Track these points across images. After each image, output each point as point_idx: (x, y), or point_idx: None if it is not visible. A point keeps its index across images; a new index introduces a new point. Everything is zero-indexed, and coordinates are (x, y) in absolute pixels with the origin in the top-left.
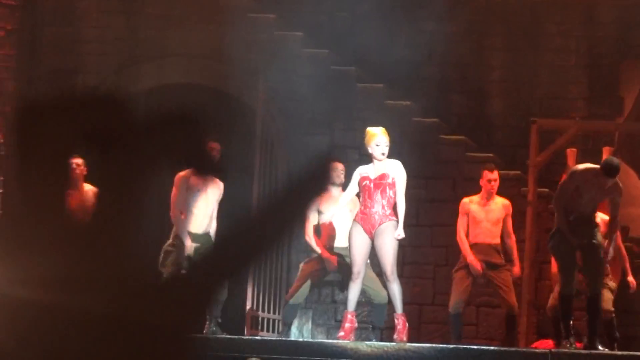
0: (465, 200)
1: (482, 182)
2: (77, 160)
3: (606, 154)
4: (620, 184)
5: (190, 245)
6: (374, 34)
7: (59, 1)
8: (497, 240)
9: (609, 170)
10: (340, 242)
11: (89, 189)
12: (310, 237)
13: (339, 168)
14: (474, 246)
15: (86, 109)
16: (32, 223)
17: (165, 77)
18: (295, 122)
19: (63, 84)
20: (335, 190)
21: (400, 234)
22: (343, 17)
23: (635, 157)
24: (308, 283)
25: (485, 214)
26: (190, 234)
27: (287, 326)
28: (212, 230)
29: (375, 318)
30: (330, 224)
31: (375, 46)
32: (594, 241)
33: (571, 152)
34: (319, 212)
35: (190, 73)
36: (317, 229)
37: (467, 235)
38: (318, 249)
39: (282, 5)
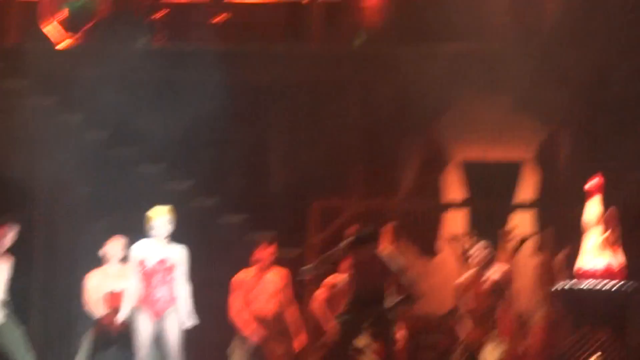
0: (238, 276)
1: (253, 259)
2: None
3: (388, 230)
4: None
5: None
6: (154, 116)
7: None
8: (273, 313)
9: None
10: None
11: None
12: (90, 307)
13: (120, 247)
14: (249, 319)
15: None
16: None
17: None
18: (76, 209)
19: None
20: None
21: (187, 322)
22: (123, 100)
23: (415, 234)
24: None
25: (258, 288)
26: None
27: None
28: None
29: None
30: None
31: (156, 128)
32: None
33: (351, 232)
34: (100, 286)
35: None
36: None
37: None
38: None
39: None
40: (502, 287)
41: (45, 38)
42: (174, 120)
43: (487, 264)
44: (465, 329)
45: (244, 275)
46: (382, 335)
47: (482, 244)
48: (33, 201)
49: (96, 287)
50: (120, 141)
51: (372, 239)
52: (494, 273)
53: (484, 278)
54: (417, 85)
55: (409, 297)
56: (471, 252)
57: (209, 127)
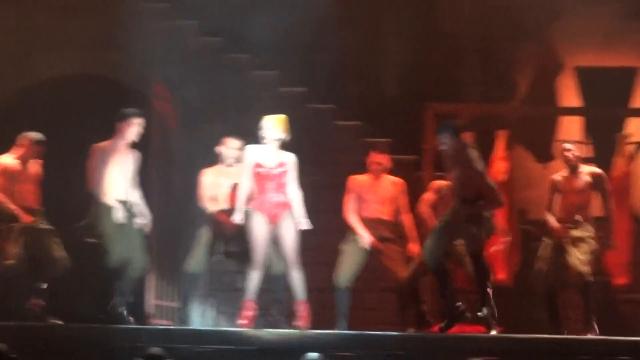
0: (353, 178)
1: (368, 163)
2: None
3: (501, 137)
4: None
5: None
6: (267, 21)
7: None
8: (387, 217)
9: None
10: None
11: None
12: (204, 203)
13: (234, 147)
14: (363, 220)
15: None
16: None
17: (60, 69)
18: (190, 110)
19: None
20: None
21: (304, 224)
22: (236, 4)
23: (530, 140)
24: (205, 249)
25: (373, 192)
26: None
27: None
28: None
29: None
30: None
31: (269, 33)
32: None
33: (468, 137)
34: (215, 184)
35: (85, 64)
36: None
37: (356, 212)
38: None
39: None
40: (595, 188)
41: None
42: (287, 26)
43: (580, 164)
44: (552, 224)
45: (359, 179)
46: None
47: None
48: (149, 101)
49: (210, 184)
50: (235, 47)
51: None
52: (586, 174)
53: (576, 177)
54: None
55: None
56: (567, 150)
57: (323, 32)
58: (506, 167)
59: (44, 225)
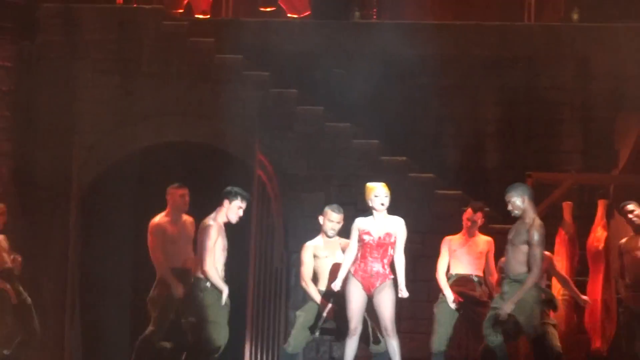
0: (447, 237)
1: (463, 219)
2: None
3: (601, 206)
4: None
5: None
6: (369, 90)
7: (54, 62)
8: (478, 273)
9: None
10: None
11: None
12: (306, 282)
13: (335, 220)
14: (452, 278)
15: None
16: None
17: (162, 136)
18: (291, 179)
19: (59, 144)
20: (331, 239)
21: (404, 293)
22: (338, 74)
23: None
24: (304, 330)
25: (466, 248)
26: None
27: None
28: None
29: None
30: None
31: (370, 102)
32: None
33: (567, 205)
34: (316, 257)
35: (186, 131)
36: (315, 275)
37: (447, 271)
38: (316, 296)
39: (277, 62)
40: None
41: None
42: (388, 95)
43: None
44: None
45: (453, 237)
46: None
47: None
48: (252, 170)
49: (311, 260)
50: (335, 116)
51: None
52: None
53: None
54: (635, 59)
55: None
56: (630, 212)
57: (423, 101)
58: (605, 237)
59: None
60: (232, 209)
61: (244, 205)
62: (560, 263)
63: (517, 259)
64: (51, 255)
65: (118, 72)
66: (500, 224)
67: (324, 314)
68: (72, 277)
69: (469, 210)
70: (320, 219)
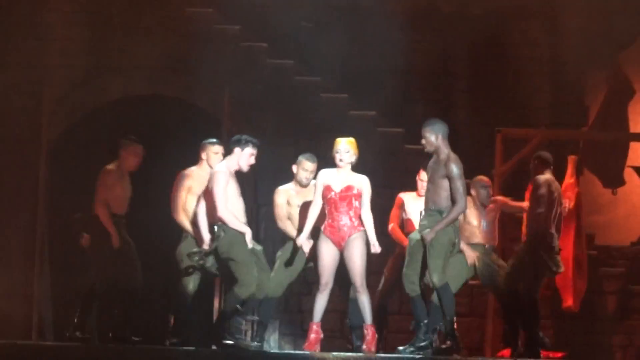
0: (401, 194)
1: (417, 179)
2: None
3: (571, 162)
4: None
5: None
6: (339, 45)
7: (24, 14)
8: None
9: None
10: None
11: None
12: (283, 222)
13: (309, 169)
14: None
15: None
16: None
17: (131, 89)
18: (260, 132)
19: (29, 96)
20: (304, 189)
21: (376, 248)
22: (307, 28)
23: (599, 165)
24: (284, 270)
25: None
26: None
27: (264, 327)
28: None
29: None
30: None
31: (340, 57)
32: None
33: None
34: (288, 204)
35: (155, 84)
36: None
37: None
38: (293, 232)
39: (247, 16)
40: None
41: None
42: (358, 49)
43: None
44: None
45: (407, 195)
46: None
47: None
48: (220, 123)
49: (284, 204)
50: (305, 70)
51: None
52: None
53: None
54: (605, 15)
55: None
56: None
57: (394, 56)
58: (576, 193)
59: None
60: (244, 156)
61: (255, 151)
62: None
63: (440, 194)
64: (20, 206)
65: (88, 24)
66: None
67: (305, 254)
68: (40, 228)
69: (421, 171)
70: (294, 168)
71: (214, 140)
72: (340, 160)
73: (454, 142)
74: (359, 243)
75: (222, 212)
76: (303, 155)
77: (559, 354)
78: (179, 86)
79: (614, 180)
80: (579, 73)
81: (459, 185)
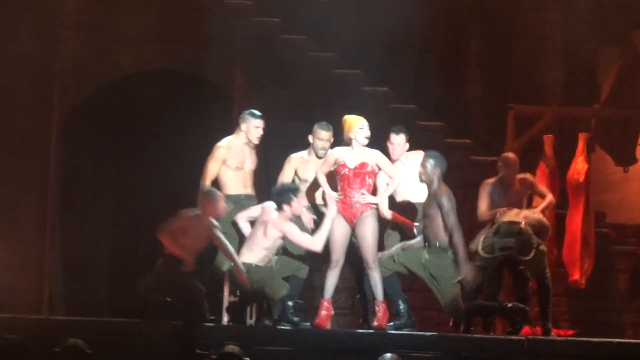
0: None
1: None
2: None
3: (582, 140)
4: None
5: None
6: (352, 21)
7: None
8: None
9: None
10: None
11: None
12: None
13: (325, 138)
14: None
15: None
16: None
17: (144, 64)
18: (273, 108)
19: (41, 70)
20: (316, 158)
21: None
22: (321, 4)
23: (611, 143)
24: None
25: None
26: None
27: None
28: None
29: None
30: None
31: (353, 32)
32: None
33: (548, 139)
34: (299, 179)
35: (167, 59)
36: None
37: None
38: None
39: None
40: None
41: None
42: (371, 26)
43: None
44: None
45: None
46: None
47: None
48: (231, 98)
49: (290, 173)
50: (318, 46)
51: None
52: None
53: None
54: None
55: None
56: None
57: (406, 33)
58: (585, 169)
59: None
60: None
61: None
62: None
63: (439, 228)
64: (32, 181)
65: None
66: (482, 156)
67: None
68: (52, 202)
69: (391, 134)
70: (310, 138)
71: (258, 113)
72: (366, 137)
73: (465, 119)
74: (371, 220)
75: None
76: (318, 124)
77: (570, 332)
78: (191, 61)
79: (626, 158)
80: (591, 50)
81: (452, 218)
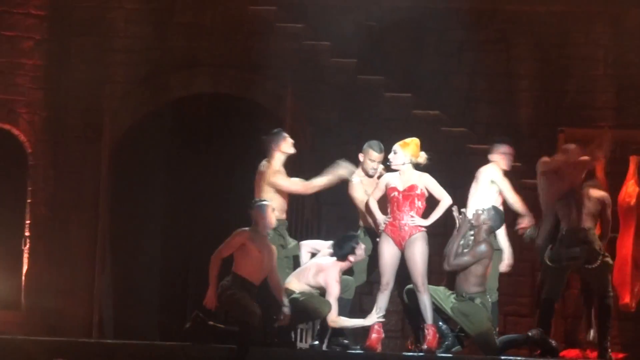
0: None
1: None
2: None
3: (633, 162)
4: None
5: None
6: (402, 44)
7: (87, 11)
8: None
9: None
10: None
11: None
12: (364, 217)
13: (376, 159)
14: None
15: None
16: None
17: (194, 87)
18: (323, 131)
19: (91, 94)
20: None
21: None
22: (371, 27)
23: None
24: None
25: None
26: None
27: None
28: None
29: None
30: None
31: (403, 55)
32: None
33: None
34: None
35: (218, 83)
36: None
37: None
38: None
39: (310, 15)
40: None
41: None
42: (422, 49)
43: None
44: None
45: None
46: None
47: None
48: (282, 121)
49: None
50: (368, 69)
51: None
52: None
53: None
54: None
55: None
56: None
57: (457, 56)
58: (637, 193)
59: None
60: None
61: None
62: None
63: (467, 277)
64: (83, 205)
65: (150, 21)
66: (532, 179)
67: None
68: (102, 227)
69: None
70: (360, 156)
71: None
72: (389, 162)
73: (517, 142)
74: (420, 243)
75: None
76: (369, 143)
77: (621, 355)
78: (241, 84)
79: None
80: None
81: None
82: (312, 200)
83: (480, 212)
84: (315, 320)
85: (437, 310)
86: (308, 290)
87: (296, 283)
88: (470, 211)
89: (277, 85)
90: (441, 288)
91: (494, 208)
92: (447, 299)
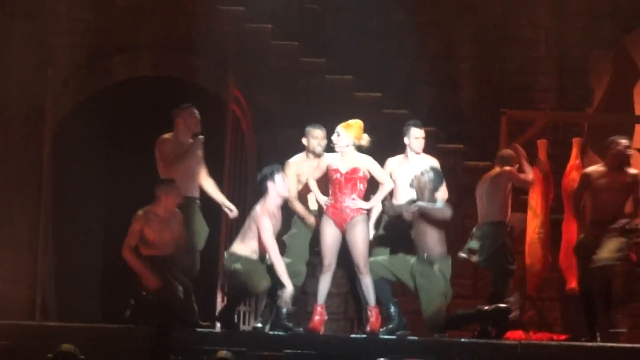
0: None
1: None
2: None
3: (576, 145)
4: None
5: None
6: (344, 26)
7: None
8: None
9: None
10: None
11: None
12: (292, 202)
13: (320, 136)
14: None
15: None
16: None
17: (136, 70)
18: (265, 114)
19: (33, 78)
20: (314, 160)
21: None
22: (313, 10)
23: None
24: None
25: None
26: None
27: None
28: None
29: None
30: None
31: (345, 38)
32: None
33: (541, 143)
34: (299, 181)
35: (160, 66)
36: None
37: None
38: (307, 216)
39: None
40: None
41: None
42: (363, 31)
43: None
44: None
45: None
46: None
47: None
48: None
49: (292, 178)
50: (311, 51)
51: None
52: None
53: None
54: None
55: None
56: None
57: (399, 38)
58: (579, 175)
59: None
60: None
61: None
62: (535, 201)
63: (427, 239)
64: (25, 188)
65: (92, 5)
66: (475, 161)
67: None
68: (45, 210)
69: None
70: (304, 140)
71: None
72: (332, 144)
73: (459, 124)
74: (362, 225)
75: None
76: (310, 125)
77: (563, 336)
78: (183, 67)
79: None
80: (583, 55)
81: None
82: (253, 183)
83: (420, 175)
84: (256, 297)
85: (392, 292)
86: (251, 258)
87: (242, 246)
88: (409, 178)
89: (219, 68)
90: (400, 254)
91: (432, 168)
92: (407, 264)
